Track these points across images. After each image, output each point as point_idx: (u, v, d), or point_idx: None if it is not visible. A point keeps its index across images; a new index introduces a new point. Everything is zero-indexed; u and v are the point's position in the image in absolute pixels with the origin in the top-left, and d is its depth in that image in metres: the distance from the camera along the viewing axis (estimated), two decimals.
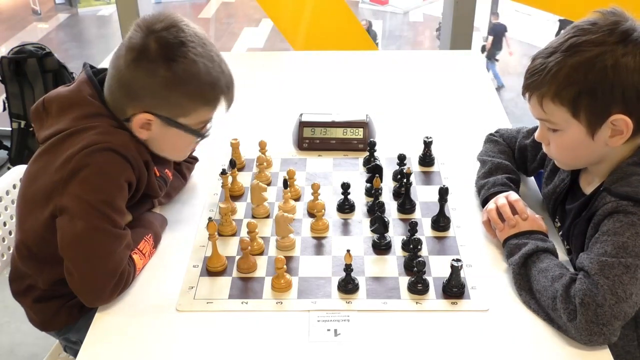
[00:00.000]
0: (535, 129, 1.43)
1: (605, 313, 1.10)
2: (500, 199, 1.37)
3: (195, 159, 1.61)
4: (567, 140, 1.24)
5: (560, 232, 1.38)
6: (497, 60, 5.53)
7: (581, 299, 1.11)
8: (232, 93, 1.35)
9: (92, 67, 1.39)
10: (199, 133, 1.36)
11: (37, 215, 1.29)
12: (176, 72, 1.25)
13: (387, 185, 1.57)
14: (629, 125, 1.17)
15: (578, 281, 1.14)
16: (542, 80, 1.20)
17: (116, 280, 1.22)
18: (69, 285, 1.24)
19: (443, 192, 1.40)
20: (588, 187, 1.31)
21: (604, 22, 1.18)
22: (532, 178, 1.60)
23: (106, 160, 1.24)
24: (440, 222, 1.43)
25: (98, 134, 1.25)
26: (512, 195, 1.37)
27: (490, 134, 1.61)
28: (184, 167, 1.56)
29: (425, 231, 1.42)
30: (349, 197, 1.48)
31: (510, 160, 1.52)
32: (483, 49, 5.57)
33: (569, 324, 1.12)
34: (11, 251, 1.47)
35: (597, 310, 1.10)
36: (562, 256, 1.30)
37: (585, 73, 1.16)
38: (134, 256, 1.29)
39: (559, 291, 1.15)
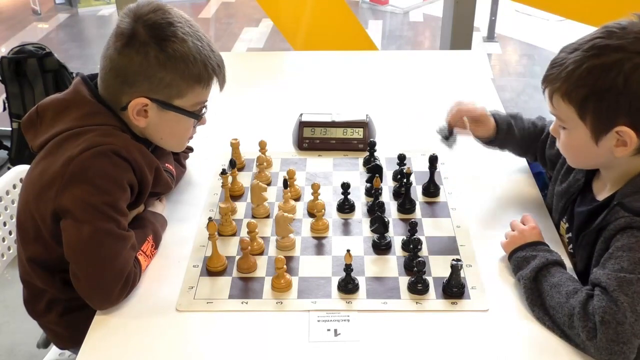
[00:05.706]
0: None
1: (625, 331, 1.07)
2: None
3: (191, 149, 1.61)
4: (572, 140, 1.24)
5: (569, 234, 1.36)
6: None
7: (601, 317, 1.08)
8: (224, 72, 1.35)
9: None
10: (196, 115, 1.35)
11: (41, 222, 1.28)
12: (168, 52, 1.25)
13: (387, 185, 1.58)
14: (633, 138, 1.15)
15: (596, 298, 1.11)
16: (558, 75, 1.19)
17: (123, 282, 1.22)
18: (76, 289, 1.23)
19: (433, 160, 1.49)
20: (600, 193, 1.29)
21: (633, 28, 1.14)
22: (533, 179, 1.59)
23: (108, 162, 1.23)
24: (430, 189, 1.52)
25: (99, 135, 1.25)
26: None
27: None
28: (181, 157, 1.58)
29: (426, 231, 1.42)
30: (349, 197, 1.48)
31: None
32: None
33: (587, 343, 1.09)
34: (19, 272, 1.39)
35: (618, 329, 1.07)
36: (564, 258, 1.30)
37: (598, 77, 1.14)
38: (139, 257, 1.29)
39: (576, 308, 1.11)
